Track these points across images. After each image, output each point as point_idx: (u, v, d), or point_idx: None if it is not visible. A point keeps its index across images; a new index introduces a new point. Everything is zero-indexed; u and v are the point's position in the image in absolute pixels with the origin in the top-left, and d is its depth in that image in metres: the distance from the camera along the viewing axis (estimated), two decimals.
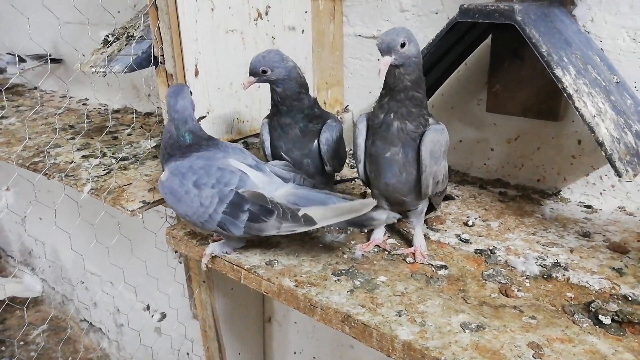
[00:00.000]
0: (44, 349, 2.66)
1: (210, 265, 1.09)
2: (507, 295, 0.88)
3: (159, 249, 1.56)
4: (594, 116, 0.93)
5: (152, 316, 1.79)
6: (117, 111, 2.43)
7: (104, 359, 2.60)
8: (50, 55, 2.57)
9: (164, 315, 1.76)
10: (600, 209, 1.21)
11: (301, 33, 1.43)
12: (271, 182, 1.04)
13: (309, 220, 0.95)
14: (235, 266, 1.03)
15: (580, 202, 1.25)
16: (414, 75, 0.90)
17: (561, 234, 1.09)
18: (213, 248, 1.08)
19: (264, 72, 1.05)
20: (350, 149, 1.45)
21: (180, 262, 1.47)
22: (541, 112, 1.26)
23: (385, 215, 0.97)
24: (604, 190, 1.24)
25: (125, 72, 1.22)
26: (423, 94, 0.94)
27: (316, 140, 1.13)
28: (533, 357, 0.74)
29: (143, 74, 1.40)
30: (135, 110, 2.30)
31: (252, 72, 1.06)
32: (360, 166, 1.02)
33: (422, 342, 0.77)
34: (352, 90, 1.64)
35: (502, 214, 1.20)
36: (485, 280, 0.93)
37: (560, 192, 1.30)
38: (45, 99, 2.71)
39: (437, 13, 1.38)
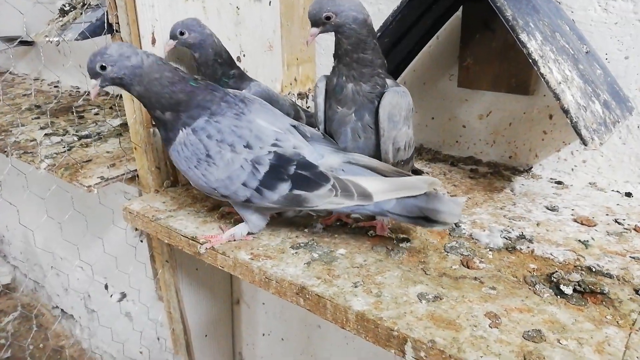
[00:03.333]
0: (15, 337, 2.59)
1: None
2: (468, 267, 0.85)
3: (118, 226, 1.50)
4: (560, 83, 0.90)
5: (112, 296, 1.74)
6: (88, 92, 2.37)
7: (76, 346, 2.55)
8: (21, 38, 2.49)
9: (123, 295, 1.71)
10: (571, 185, 1.19)
11: (268, 5, 1.38)
12: (315, 150, 0.91)
13: (364, 193, 0.84)
14: (191, 240, 0.99)
15: (551, 179, 1.23)
16: (353, 40, 0.89)
17: (529, 209, 1.07)
18: (232, 232, 0.94)
19: (182, 34, 1.09)
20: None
21: (141, 241, 1.43)
22: (512, 86, 1.23)
23: (457, 208, 0.83)
24: (575, 166, 1.22)
25: (77, 40, 1.16)
26: (374, 54, 0.90)
27: None
28: (489, 326, 0.70)
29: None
30: (107, 92, 2.24)
31: (171, 35, 1.11)
32: (321, 127, 0.98)
33: (376, 312, 0.74)
34: (324, 68, 1.59)
35: (471, 190, 1.17)
36: (448, 252, 0.90)
37: (532, 169, 1.27)
38: (17, 82, 2.64)
39: None
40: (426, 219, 0.84)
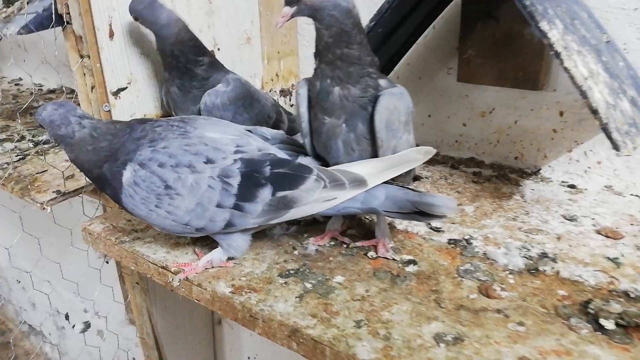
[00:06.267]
0: None
1: (180, 281, 0.81)
2: (488, 296, 0.73)
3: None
4: (586, 78, 0.78)
5: (74, 327, 1.58)
6: (52, 91, 2.19)
7: None
8: None
9: (87, 325, 1.55)
10: (586, 189, 1.08)
11: None
12: (281, 152, 0.82)
13: (356, 179, 0.74)
14: (160, 268, 0.84)
15: (562, 182, 1.11)
16: (334, 30, 0.74)
17: (545, 219, 0.95)
18: (209, 257, 0.81)
19: (136, 18, 0.98)
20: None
21: (107, 262, 1.27)
22: (519, 80, 1.10)
23: (452, 202, 0.75)
24: (588, 167, 1.11)
25: (21, 34, 1.00)
26: (361, 50, 0.76)
27: (198, 104, 1.00)
28: None
29: None
30: (73, 90, 2.06)
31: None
32: (307, 141, 0.84)
33: None
34: (309, 61, 1.45)
35: (478, 197, 1.05)
36: (462, 277, 0.78)
37: (540, 171, 1.16)
38: None
39: None
40: (421, 214, 0.75)
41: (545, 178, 1.13)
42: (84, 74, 0.99)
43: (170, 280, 0.82)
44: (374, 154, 0.79)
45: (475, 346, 0.63)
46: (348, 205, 0.76)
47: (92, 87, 1.00)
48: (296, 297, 0.74)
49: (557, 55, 0.77)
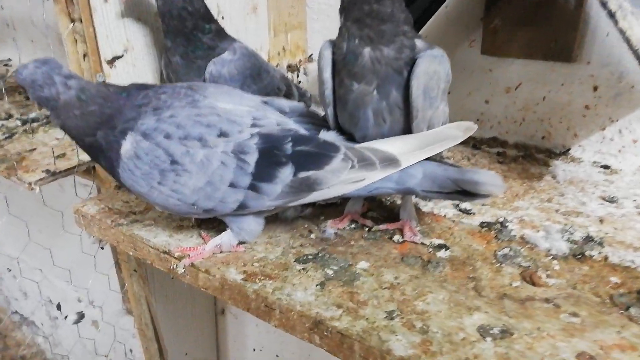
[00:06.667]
0: None
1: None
2: (533, 284, 0.65)
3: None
4: None
5: (66, 318, 1.49)
6: None
7: (39, 355, 2.29)
8: None
9: (81, 316, 1.47)
10: (620, 169, 1.00)
11: None
12: (302, 127, 0.73)
13: (387, 158, 0.66)
14: (162, 253, 0.76)
15: (595, 162, 1.03)
16: None
17: (581, 200, 0.87)
18: (218, 241, 0.72)
19: None
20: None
21: (102, 248, 1.19)
22: (550, 51, 1.02)
23: (497, 178, 0.67)
24: (623, 147, 1.02)
25: None
26: (394, 4, 0.66)
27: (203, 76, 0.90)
28: None
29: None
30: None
31: None
32: (330, 111, 0.75)
33: (427, 359, 0.53)
34: (317, 35, 1.35)
35: (506, 178, 0.96)
36: (501, 262, 0.70)
37: (570, 151, 1.07)
38: None
39: None
40: (463, 193, 0.67)
41: (575, 158, 1.05)
42: (75, 41, 0.90)
43: (174, 267, 0.74)
44: (407, 126, 0.71)
45: (527, 340, 0.55)
46: (380, 185, 0.68)
47: (85, 55, 0.90)
48: (317, 285, 0.65)
49: (612, 15, 0.69)
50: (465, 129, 0.71)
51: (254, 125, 0.68)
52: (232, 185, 0.66)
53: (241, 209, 0.68)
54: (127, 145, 0.66)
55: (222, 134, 0.66)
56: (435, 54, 0.69)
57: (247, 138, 0.66)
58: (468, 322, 0.59)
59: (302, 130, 0.72)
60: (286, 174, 0.66)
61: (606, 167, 1.01)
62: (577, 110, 1.05)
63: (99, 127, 0.67)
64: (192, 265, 0.72)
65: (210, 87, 0.74)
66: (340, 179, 0.66)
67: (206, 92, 0.71)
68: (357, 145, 0.69)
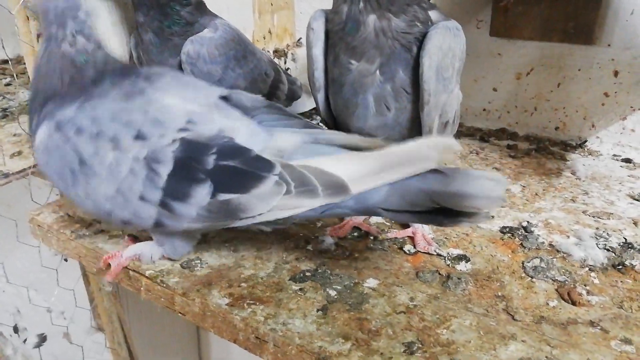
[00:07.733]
0: None
1: (112, 284, 0.67)
2: (573, 302, 0.55)
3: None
4: None
5: (25, 341, 1.35)
6: (5, 62, 1.92)
7: None
8: None
9: (42, 339, 1.33)
10: None
11: None
12: (259, 127, 0.58)
13: (333, 184, 0.51)
14: (132, 272, 0.64)
15: (614, 155, 0.94)
16: None
17: (609, 199, 0.78)
18: (138, 250, 0.63)
19: None
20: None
21: (66, 260, 1.05)
22: (568, 32, 0.92)
23: (496, 186, 0.49)
24: None
25: None
26: None
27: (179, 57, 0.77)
28: None
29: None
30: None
31: None
32: (320, 97, 0.63)
33: None
34: (306, 17, 1.23)
35: (521, 174, 0.87)
36: (532, 277, 0.59)
37: (587, 143, 0.98)
38: None
39: None
40: (444, 212, 0.50)
41: (593, 151, 0.96)
42: (27, 18, 0.77)
43: (141, 286, 0.62)
44: (415, 115, 0.60)
45: None
46: (330, 207, 0.53)
47: (38, 36, 0.77)
48: (318, 310, 0.55)
49: None
50: (442, 148, 0.52)
51: (183, 129, 0.55)
52: (142, 198, 0.54)
53: (159, 227, 0.56)
54: (41, 135, 0.56)
55: (140, 136, 0.54)
56: (450, 25, 0.58)
57: (166, 144, 0.54)
58: (504, 355, 0.48)
59: (255, 135, 0.57)
60: (202, 194, 0.53)
61: (627, 160, 0.92)
62: (595, 97, 0.96)
63: (46, 101, 0.56)
64: (164, 284, 0.60)
65: (169, 76, 0.61)
66: (269, 206, 0.53)
67: (160, 83, 0.59)
68: (298, 164, 0.53)
